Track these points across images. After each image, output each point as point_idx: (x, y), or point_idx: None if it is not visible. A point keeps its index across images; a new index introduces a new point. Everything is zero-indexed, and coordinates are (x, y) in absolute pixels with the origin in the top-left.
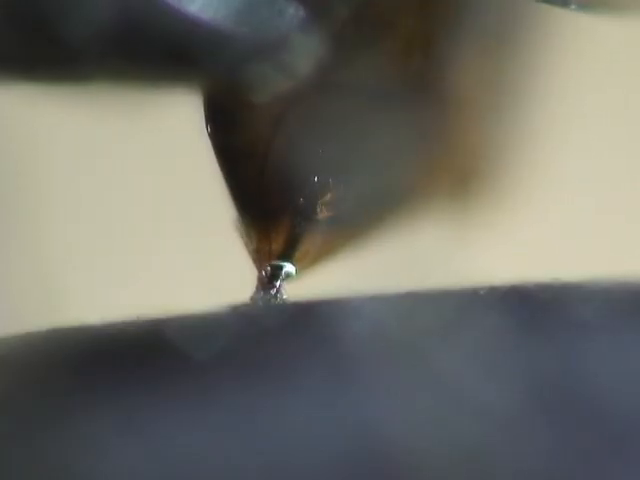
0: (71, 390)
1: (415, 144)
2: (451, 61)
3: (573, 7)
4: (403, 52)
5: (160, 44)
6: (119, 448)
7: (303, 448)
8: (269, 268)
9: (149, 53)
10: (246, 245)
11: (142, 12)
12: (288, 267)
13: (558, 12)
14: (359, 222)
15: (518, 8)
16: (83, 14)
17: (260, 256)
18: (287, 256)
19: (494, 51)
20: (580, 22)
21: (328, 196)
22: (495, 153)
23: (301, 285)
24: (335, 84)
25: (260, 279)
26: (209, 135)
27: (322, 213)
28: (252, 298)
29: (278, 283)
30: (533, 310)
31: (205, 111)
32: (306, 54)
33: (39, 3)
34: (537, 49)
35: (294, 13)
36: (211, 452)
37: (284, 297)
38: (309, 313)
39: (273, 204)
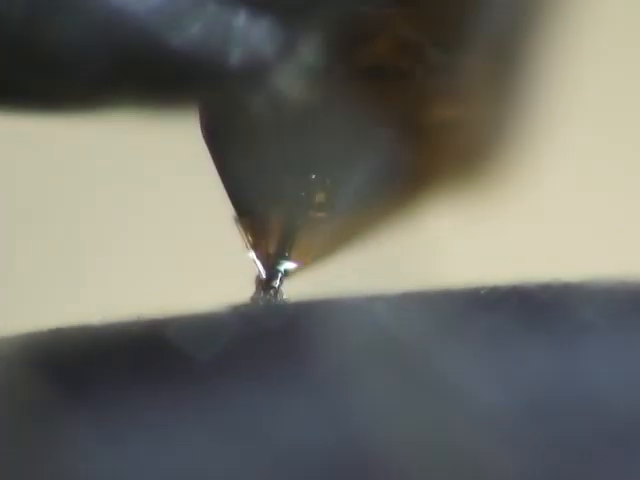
0: (72, 391)
1: (412, 138)
2: (451, 56)
3: None
4: (394, 52)
5: (151, 75)
6: (120, 449)
7: (303, 449)
8: (268, 268)
9: (144, 84)
10: (245, 243)
11: (132, 49)
12: (287, 265)
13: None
14: (357, 218)
15: (520, 10)
16: (75, 52)
17: (258, 254)
18: (284, 253)
19: (495, 45)
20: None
21: (324, 193)
22: (494, 146)
23: (301, 285)
24: (328, 81)
25: (259, 279)
26: (203, 137)
27: (318, 210)
28: (252, 298)
29: (277, 283)
30: (534, 310)
31: (199, 117)
32: (298, 76)
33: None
34: (537, 45)
35: (283, 37)
36: (211, 452)
37: (284, 297)
38: (309, 313)
39: (268, 201)
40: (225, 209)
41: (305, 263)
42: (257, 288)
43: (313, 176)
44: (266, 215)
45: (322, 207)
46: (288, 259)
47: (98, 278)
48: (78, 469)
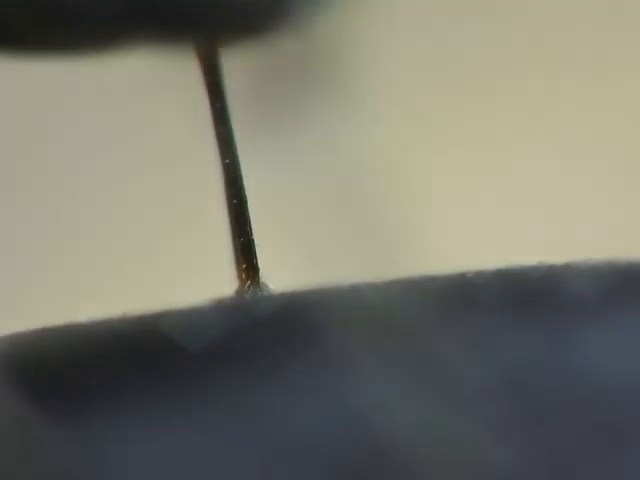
0: (69, 388)
1: None
2: None
3: None
4: None
5: (165, 17)
6: (112, 445)
7: (302, 435)
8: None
9: (157, 27)
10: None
11: None
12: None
13: None
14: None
15: None
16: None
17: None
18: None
19: None
20: None
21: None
22: None
23: (287, 276)
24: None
25: (241, 270)
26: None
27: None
28: (237, 292)
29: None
30: (521, 291)
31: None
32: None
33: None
34: None
35: None
36: (209, 443)
37: (269, 288)
38: (298, 303)
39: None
40: (209, 209)
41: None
42: (240, 280)
43: None
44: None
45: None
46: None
47: (83, 277)
48: (71, 468)
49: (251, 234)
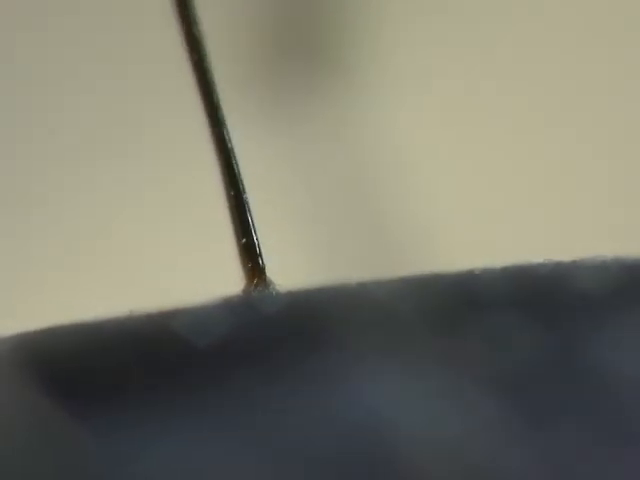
0: (78, 387)
1: None
2: None
3: None
4: None
5: None
6: (127, 443)
7: (309, 432)
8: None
9: None
10: None
11: None
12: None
13: None
14: None
15: None
16: None
17: None
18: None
19: None
20: None
21: None
22: None
23: (294, 275)
24: None
25: (247, 273)
26: None
27: None
28: (244, 290)
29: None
30: (529, 288)
31: None
32: None
33: None
34: None
35: None
36: (215, 440)
37: (275, 287)
38: (304, 302)
39: None
40: (217, 207)
41: None
42: (247, 279)
43: None
44: None
45: None
46: None
47: (90, 278)
48: (79, 466)
49: (255, 234)
